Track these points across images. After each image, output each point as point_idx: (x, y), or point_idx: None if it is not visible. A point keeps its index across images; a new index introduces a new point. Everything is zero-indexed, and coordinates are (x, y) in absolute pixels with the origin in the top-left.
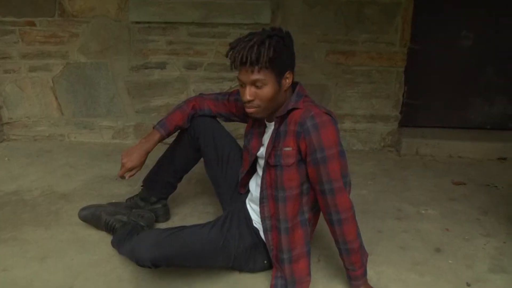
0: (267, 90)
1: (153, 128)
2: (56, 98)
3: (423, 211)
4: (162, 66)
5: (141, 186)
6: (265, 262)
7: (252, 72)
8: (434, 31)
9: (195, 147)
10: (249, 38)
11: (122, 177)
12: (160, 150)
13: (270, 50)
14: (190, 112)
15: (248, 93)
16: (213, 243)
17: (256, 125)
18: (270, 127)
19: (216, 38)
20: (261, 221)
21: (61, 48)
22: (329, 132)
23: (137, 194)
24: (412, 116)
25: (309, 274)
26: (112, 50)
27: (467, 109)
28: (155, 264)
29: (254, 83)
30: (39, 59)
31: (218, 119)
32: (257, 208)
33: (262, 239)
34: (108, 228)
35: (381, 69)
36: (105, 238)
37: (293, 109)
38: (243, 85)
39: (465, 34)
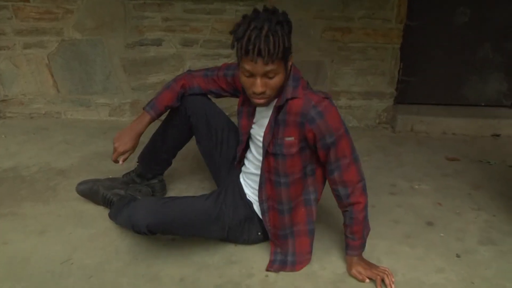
0: (278, 79)
1: (143, 109)
2: (52, 76)
3: (416, 186)
4: (158, 43)
5: (137, 162)
6: (259, 233)
7: (267, 63)
8: (430, 7)
9: (187, 125)
10: (257, 26)
11: (116, 161)
12: (154, 127)
13: (285, 39)
14: (180, 91)
15: (260, 85)
16: (207, 213)
17: (246, 104)
18: (262, 110)
19: (212, 14)
20: (259, 203)
21: (56, 24)
22: (333, 115)
23: (133, 170)
24: (408, 93)
25: (310, 252)
26: (108, 27)
27: (462, 86)
28: (150, 230)
29: (266, 74)
30: (33, 36)
31: (209, 96)
32: (250, 183)
33: (255, 211)
34: (106, 202)
35: (377, 46)
36: (102, 213)
37: (292, 98)
38: (250, 75)
39: (462, 10)
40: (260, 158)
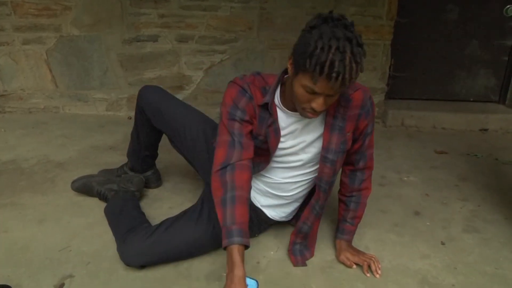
0: (337, 96)
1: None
2: (50, 71)
3: (405, 178)
4: (154, 39)
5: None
6: (257, 235)
7: (340, 87)
8: (420, 5)
9: (151, 124)
10: (338, 47)
11: None
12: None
13: (362, 64)
14: (248, 196)
15: (323, 104)
16: (200, 241)
17: (264, 121)
18: (295, 117)
19: (207, 11)
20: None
21: (54, 21)
22: (374, 106)
23: (126, 164)
24: (398, 88)
25: (317, 232)
26: (105, 23)
27: (451, 81)
28: (145, 266)
29: (331, 94)
30: (32, 32)
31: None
32: (271, 189)
33: (252, 214)
34: (101, 197)
35: (368, 42)
36: (99, 203)
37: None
38: (313, 92)
39: (450, 8)
40: (291, 165)
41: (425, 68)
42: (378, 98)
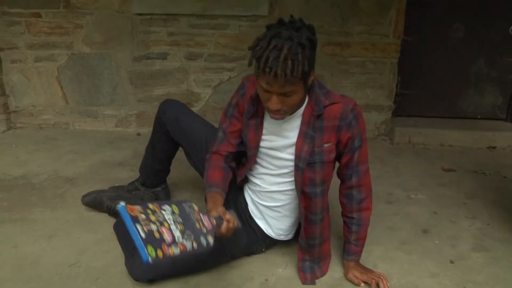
0: (296, 98)
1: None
2: (61, 88)
3: (413, 196)
4: (163, 56)
5: (139, 172)
6: (263, 249)
7: (284, 86)
8: (426, 23)
9: (169, 137)
10: (277, 45)
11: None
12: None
13: (305, 63)
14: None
15: (276, 102)
16: (207, 253)
17: (254, 116)
18: (280, 122)
19: (216, 29)
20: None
21: (66, 39)
22: (363, 119)
23: (137, 179)
24: (405, 105)
25: (330, 249)
26: (115, 41)
27: (458, 99)
28: (152, 281)
29: (283, 93)
30: (44, 49)
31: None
32: (262, 201)
33: (258, 231)
34: (111, 213)
35: (375, 60)
36: (109, 219)
37: (330, 104)
38: (267, 92)
39: (457, 26)
40: (277, 172)
41: (432, 86)
42: (385, 115)
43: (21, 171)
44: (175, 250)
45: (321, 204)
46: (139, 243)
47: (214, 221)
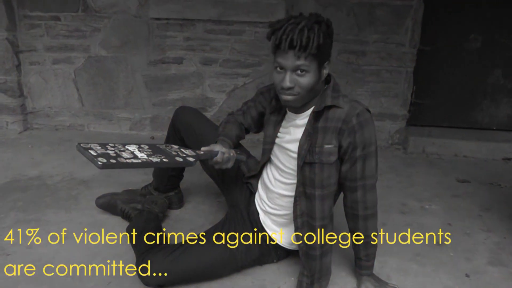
0: (308, 79)
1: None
2: (77, 90)
3: (427, 206)
4: (179, 61)
5: (152, 176)
6: (275, 261)
7: (299, 57)
8: (443, 33)
9: (183, 144)
10: (295, 21)
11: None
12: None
13: (320, 36)
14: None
15: (289, 80)
16: (218, 261)
17: (276, 112)
18: (294, 118)
19: (232, 35)
20: (293, 220)
21: (84, 42)
22: (371, 129)
23: (150, 183)
24: (420, 115)
25: (330, 265)
26: (132, 45)
27: (473, 109)
28: (162, 286)
29: (296, 69)
30: (62, 52)
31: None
32: (271, 209)
33: (271, 243)
34: (124, 216)
35: (390, 69)
36: (121, 222)
37: (332, 105)
38: (281, 69)
39: (474, 36)
40: (288, 170)
41: (447, 96)
42: (399, 124)
43: (36, 172)
44: (134, 160)
45: (320, 209)
46: (89, 155)
47: (202, 152)
